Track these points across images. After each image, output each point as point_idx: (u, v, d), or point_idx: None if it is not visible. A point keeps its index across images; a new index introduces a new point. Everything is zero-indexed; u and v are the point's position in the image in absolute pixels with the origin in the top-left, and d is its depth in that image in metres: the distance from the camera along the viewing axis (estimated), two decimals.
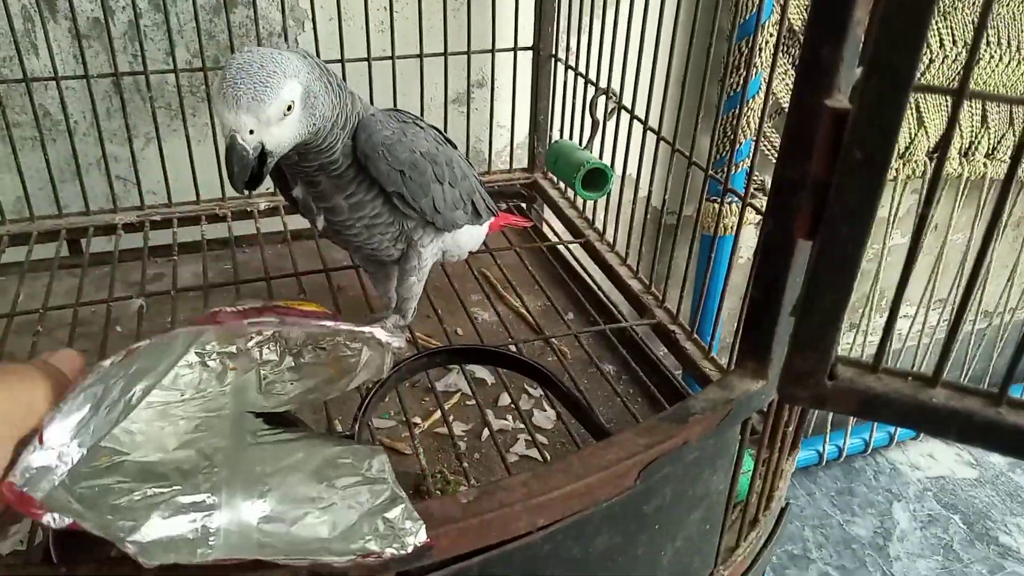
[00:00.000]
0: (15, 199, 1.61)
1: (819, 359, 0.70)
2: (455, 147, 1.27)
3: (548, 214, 1.85)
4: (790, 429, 1.00)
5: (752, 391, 0.78)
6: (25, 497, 0.61)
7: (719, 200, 2.03)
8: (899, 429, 2.80)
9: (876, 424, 2.76)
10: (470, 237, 1.37)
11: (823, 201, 0.66)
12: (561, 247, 1.66)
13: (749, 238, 2.33)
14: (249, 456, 0.82)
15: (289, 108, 0.94)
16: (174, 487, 0.75)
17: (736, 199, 2.09)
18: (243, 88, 0.91)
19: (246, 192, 0.99)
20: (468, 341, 1.39)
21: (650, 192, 1.60)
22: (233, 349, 0.87)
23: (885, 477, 2.76)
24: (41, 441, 0.63)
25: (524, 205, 1.83)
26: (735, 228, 2.08)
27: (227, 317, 0.81)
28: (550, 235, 1.75)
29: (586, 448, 0.71)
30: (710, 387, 0.78)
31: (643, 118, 1.45)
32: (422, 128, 1.17)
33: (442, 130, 1.28)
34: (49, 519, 0.61)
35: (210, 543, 0.70)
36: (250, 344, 0.87)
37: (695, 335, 1.33)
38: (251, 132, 0.93)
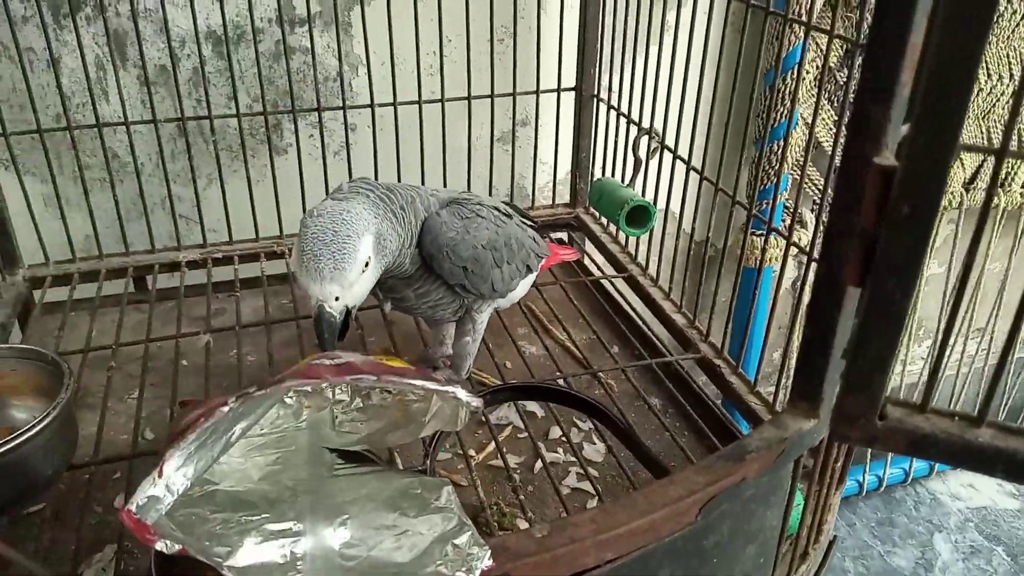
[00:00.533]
0: (84, 238, 1.69)
1: (869, 401, 0.74)
2: (509, 215, 1.31)
3: (590, 248, 1.90)
4: (839, 465, 1.04)
5: (805, 430, 0.82)
6: (141, 524, 0.67)
7: (761, 234, 2.07)
8: None
9: None
10: (522, 288, 1.41)
11: (871, 251, 0.71)
12: (605, 281, 1.71)
13: (788, 270, 2.36)
14: (328, 487, 0.88)
15: (367, 264, 0.99)
16: (263, 515, 0.81)
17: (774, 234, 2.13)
18: (323, 259, 0.95)
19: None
20: (517, 374, 1.44)
21: (693, 228, 1.64)
22: (308, 388, 0.93)
23: (926, 507, 2.75)
24: (160, 474, 0.69)
25: (566, 236, 1.89)
26: (778, 260, 2.12)
27: (328, 371, 0.86)
28: (593, 269, 1.80)
29: (648, 486, 0.75)
30: (764, 426, 0.82)
31: (685, 157, 1.50)
32: (482, 216, 1.20)
33: (503, 204, 1.35)
34: (161, 545, 0.67)
35: (298, 567, 0.76)
36: (324, 384, 0.93)
37: (740, 370, 1.36)
38: (336, 299, 0.98)
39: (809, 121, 2.11)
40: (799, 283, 2.16)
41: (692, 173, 1.48)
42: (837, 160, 2.15)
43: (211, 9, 1.61)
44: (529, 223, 1.41)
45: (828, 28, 1.12)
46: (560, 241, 1.82)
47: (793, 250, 2.20)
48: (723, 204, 1.43)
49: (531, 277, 1.43)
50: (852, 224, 0.76)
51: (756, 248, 2.10)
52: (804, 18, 1.36)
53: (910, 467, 2.77)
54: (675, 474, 0.76)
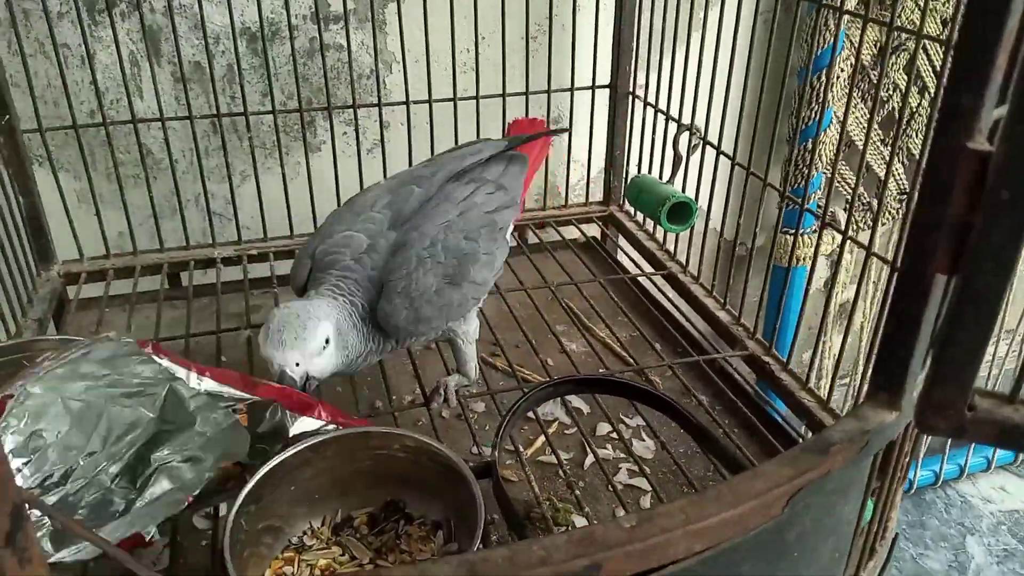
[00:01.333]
0: (117, 234, 1.68)
1: (959, 391, 0.72)
2: (458, 218, 1.24)
3: (625, 245, 1.88)
4: (906, 459, 1.01)
5: (887, 422, 0.80)
6: None
7: (794, 232, 2.05)
8: (969, 462, 2.76)
9: (946, 456, 2.73)
10: (500, 269, 1.35)
11: (962, 239, 0.69)
12: (643, 279, 1.69)
13: (819, 268, 2.34)
14: None
15: (327, 342, 1.07)
16: None
17: (808, 231, 2.11)
18: (286, 333, 1.05)
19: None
20: (561, 372, 1.42)
21: (738, 225, 1.62)
22: None
23: (957, 510, 2.71)
24: None
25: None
26: (809, 260, 2.10)
27: None
28: (630, 267, 1.78)
29: (734, 479, 0.73)
30: (845, 419, 0.80)
31: (730, 154, 1.48)
32: (421, 261, 1.16)
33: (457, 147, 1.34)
34: None
35: None
36: None
37: (790, 366, 1.34)
38: (297, 364, 1.06)
39: (841, 119, 2.09)
40: (830, 283, 2.14)
41: (723, 169, 1.47)
42: (868, 158, 2.14)
43: (246, 5, 1.60)
44: (507, 146, 1.36)
45: (886, 20, 1.10)
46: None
47: (826, 248, 2.20)
48: (759, 199, 1.41)
49: (506, 248, 1.34)
50: (942, 212, 0.74)
51: (790, 247, 2.08)
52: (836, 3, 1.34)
53: (940, 469, 2.73)
54: (760, 467, 0.74)
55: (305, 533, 0.94)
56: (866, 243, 1.18)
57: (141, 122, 1.57)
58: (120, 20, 1.56)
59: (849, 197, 2.19)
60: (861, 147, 2.15)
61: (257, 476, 0.86)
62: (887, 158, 2.10)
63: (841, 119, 2.09)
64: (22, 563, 0.60)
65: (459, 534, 0.93)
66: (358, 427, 0.97)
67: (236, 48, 1.53)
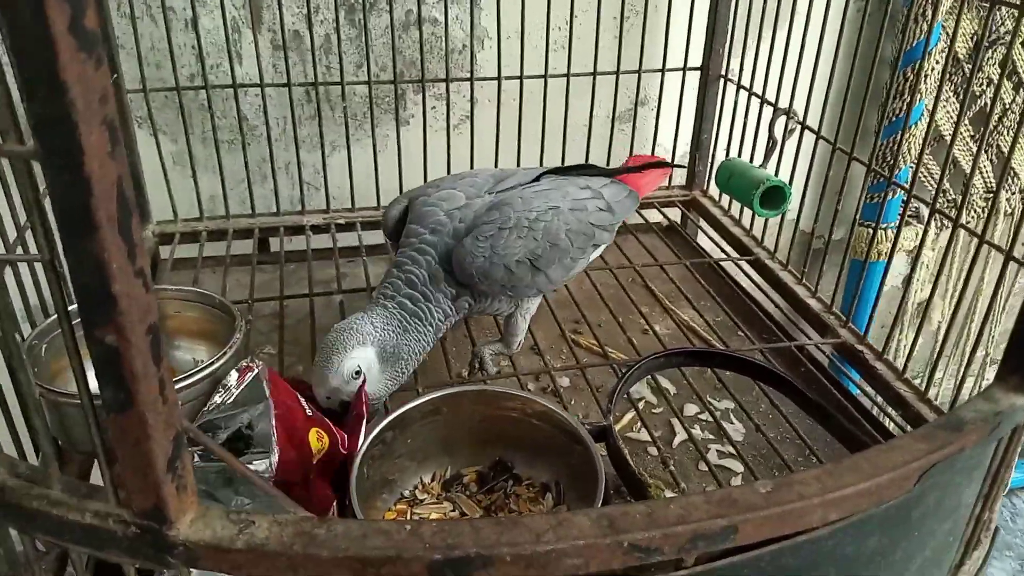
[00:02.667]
0: (209, 197, 1.71)
1: None
2: (556, 207, 1.24)
3: (708, 229, 1.86)
4: (1017, 449, 0.99)
5: (1018, 404, 0.78)
6: None
7: (872, 225, 2.01)
8: None
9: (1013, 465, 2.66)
10: (596, 253, 1.36)
11: None
12: (728, 264, 1.67)
13: (898, 265, 2.30)
14: None
15: (357, 373, 1.05)
16: None
17: (891, 226, 2.07)
18: (321, 364, 1.05)
19: None
20: (646, 351, 1.41)
21: (838, 211, 1.60)
22: None
23: (1022, 519, 2.65)
24: None
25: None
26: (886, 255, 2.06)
27: None
28: (713, 251, 1.76)
29: (870, 451, 0.72)
30: (976, 399, 0.79)
31: (832, 140, 1.46)
32: (510, 227, 1.17)
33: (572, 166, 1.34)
34: None
35: None
36: None
37: (886, 355, 1.32)
38: (327, 398, 1.06)
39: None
40: (918, 279, 2.10)
41: (803, 159, 1.45)
42: (956, 153, 2.09)
43: None
44: (611, 175, 1.37)
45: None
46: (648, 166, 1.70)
47: (908, 244, 2.15)
48: (839, 190, 1.39)
49: (584, 265, 1.35)
50: None
51: (876, 240, 2.04)
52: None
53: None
54: (895, 440, 0.73)
55: (416, 488, 0.95)
56: (979, 232, 1.15)
57: (242, 87, 1.60)
58: None
59: (933, 192, 2.14)
60: (949, 141, 2.11)
61: (385, 421, 0.88)
62: (975, 154, 2.05)
63: (929, 112, 2.05)
64: (179, 490, 0.62)
65: (568, 497, 0.93)
66: (475, 385, 0.98)
67: (338, 18, 1.54)
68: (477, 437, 0.97)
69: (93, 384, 0.57)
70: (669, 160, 1.65)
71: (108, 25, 1.46)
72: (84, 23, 0.45)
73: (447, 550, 0.61)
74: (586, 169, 1.38)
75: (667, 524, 0.64)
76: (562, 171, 1.35)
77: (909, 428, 1.24)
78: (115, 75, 1.50)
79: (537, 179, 1.30)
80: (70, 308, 0.56)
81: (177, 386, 0.90)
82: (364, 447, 0.85)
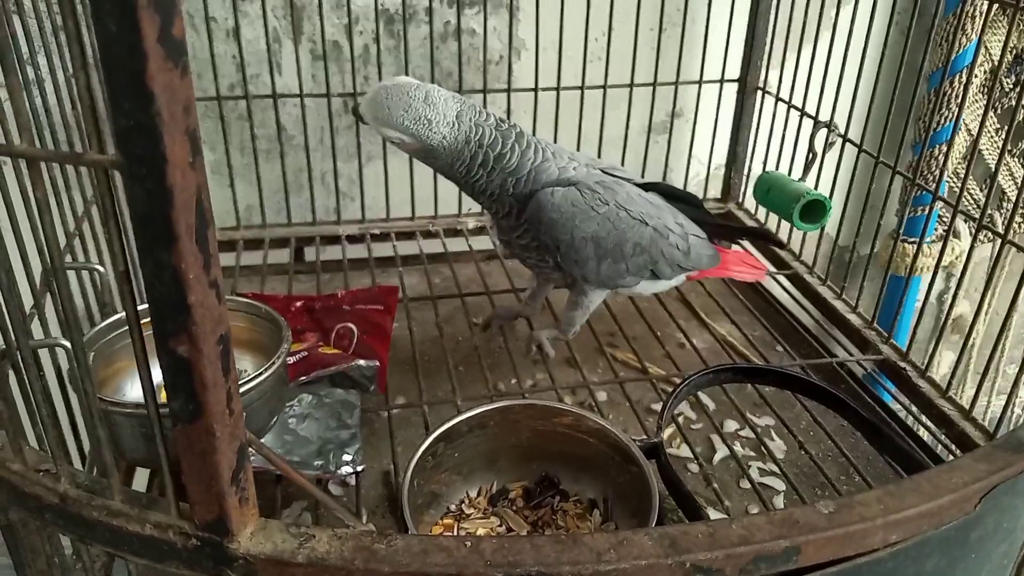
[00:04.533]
0: (245, 207, 1.72)
1: None
2: (645, 221, 1.24)
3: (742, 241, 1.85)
4: None
5: None
6: None
7: (913, 241, 1.99)
8: None
9: None
10: (648, 288, 1.35)
11: None
12: (766, 278, 1.66)
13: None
14: None
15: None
16: None
17: (928, 241, 2.05)
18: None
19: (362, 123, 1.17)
20: (684, 365, 1.40)
21: (878, 226, 1.58)
22: None
23: None
24: None
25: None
26: (929, 270, 2.04)
27: None
28: None
29: (930, 471, 0.71)
30: None
31: (873, 153, 1.45)
32: (599, 209, 1.18)
33: (672, 187, 1.33)
34: None
35: None
36: None
37: (929, 373, 1.30)
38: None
39: (970, 127, 2.03)
40: (949, 295, 2.07)
41: (847, 170, 1.44)
42: (991, 164, 2.06)
43: None
44: (702, 227, 1.35)
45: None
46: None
47: (946, 260, 2.13)
48: (882, 204, 1.38)
49: (668, 282, 1.35)
50: None
51: (908, 256, 2.02)
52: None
53: None
54: (956, 460, 0.72)
55: (463, 502, 0.95)
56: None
57: (281, 97, 1.61)
58: None
59: (971, 208, 2.12)
60: (987, 155, 2.09)
61: (436, 432, 0.88)
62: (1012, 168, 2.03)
63: (968, 126, 2.03)
64: (242, 502, 0.61)
65: (616, 514, 0.92)
66: (523, 400, 0.98)
67: (378, 29, 1.55)
68: (523, 452, 0.97)
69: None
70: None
71: None
72: (173, 32, 0.45)
73: (508, 568, 0.60)
74: (694, 204, 1.36)
75: (730, 544, 0.63)
76: (671, 195, 1.33)
77: (954, 447, 1.22)
78: None
79: (646, 188, 1.30)
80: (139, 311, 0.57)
81: None
82: (415, 459, 0.85)
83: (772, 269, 1.70)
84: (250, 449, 0.63)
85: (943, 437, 1.24)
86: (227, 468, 0.57)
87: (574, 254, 1.19)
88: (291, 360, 1.13)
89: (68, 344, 0.79)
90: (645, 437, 0.96)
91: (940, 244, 2.12)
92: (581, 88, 1.69)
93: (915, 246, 1.93)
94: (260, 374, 0.91)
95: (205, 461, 0.56)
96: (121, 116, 0.46)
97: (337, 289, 1.48)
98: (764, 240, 1.69)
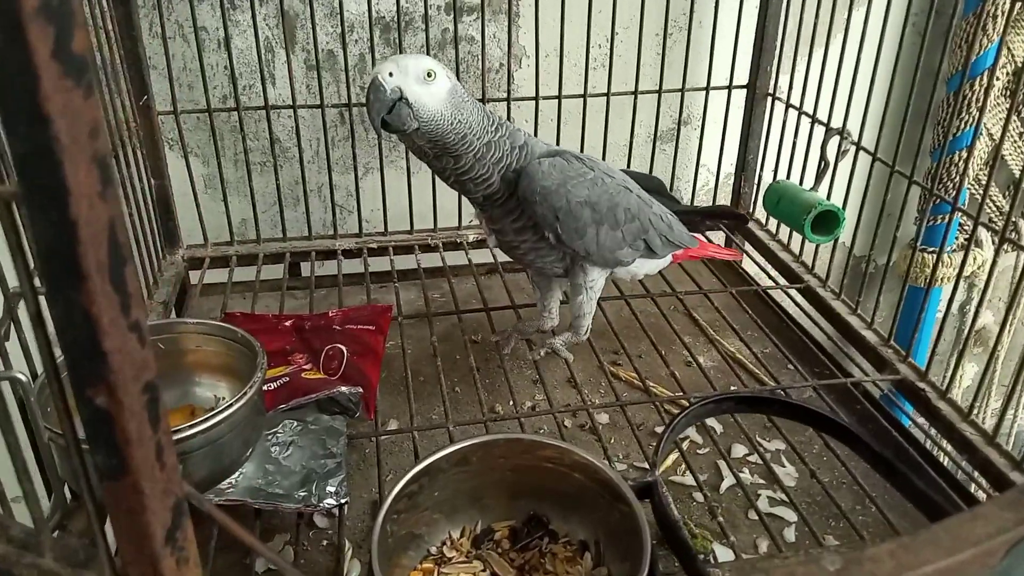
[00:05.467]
0: (240, 221, 1.68)
1: None
2: (630, 189, 1.26)
3: (755, 254, 1.78)
4: None
5: None
6: None
7: (933, 251, 1.92)
8: None
9: None
10: (643, 266, 1.35)
11: None
12: (777, 292, 1.59)
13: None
14: None
15: (429, 75, 1.08)
16: None
17: (947, 251, 1.97)
18: (398, 56, 1.11)
19: (384, 134, 1.13)
20: (690, 386, 1.33)
21: (895, 239, 1.51)
22: None
23: None
24: None
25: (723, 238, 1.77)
26: (950, 280, 1.96)
27: None
28: (761, 278, 1.68)
29: (949, 520, 0.64)
30: None
31: (888, 161, 1.38)
32: (586, 175, 1.19)
33: (637, 172, 1.34)
34: None
35: None
36: None
37: (950, 395, 1.23)
38: (391, 75, 1.07)
39: (991, 132, 1.95)
40: (972, 306, 2.00)
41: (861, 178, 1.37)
42: (1016, 170, 1.98)
43: None
44: (673, 209, 1.36)
45: None
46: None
47: (967, 270, 2.05)
48: (899, 213, 1.31)
49: (659, 261, 1.36)
50: None
51: (927, 266, 1.95)
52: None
53: None
54: (978, 508, 0.65)
55: (444, 544, 0.89)
56: None
57: (273, 109, 1.56)
58: (259, 5, 1.55)
59: (993, 215, 2.03)
60: (1011, 161, 2.01)
61: (410, 474, 0.82)
62: None
63: (989, 131, 1.95)
64: (179, 563, 0.56)
65: (608, 557, 0.86)
66: (508, 434, 0.92)
67: (371, 37, 1.50)
68: (509, 489, 0.91)
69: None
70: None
71: (139, 46, 1.44)
72: (71, 47, 0.40)
73: None
74: (661, 191, 1.39)
75: None
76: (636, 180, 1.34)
77: (977, 474, 1.15)
78: (145, 96, 1.47)
79: None
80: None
81: (197, 428, 0.85)
82: (388, 502, 0.79)
83: (783, 281, 1.63)
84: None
85: (964, 464, 1.17)
86: (160, 527, 0.51)
87: (572, 221, 1.17)
88: (272, 386, 1.08)
89: (23, 377, 0.74)
90: (637, 477, 0.90)
91: (961, 253, 2.06)
92: (584, 96, 1.64)
93: (935, 256, 1.86)
94: (230, 406, 0.86)
95: (134, 520, 0.51)
96: (18, 142, 0.40)
97: (330, 307, 1.43)
98: (727, 217, 1.71)
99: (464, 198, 1.62)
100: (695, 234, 1.40)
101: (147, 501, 0.50)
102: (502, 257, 1.64)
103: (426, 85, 1.09)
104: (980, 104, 1.81)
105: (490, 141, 1.15)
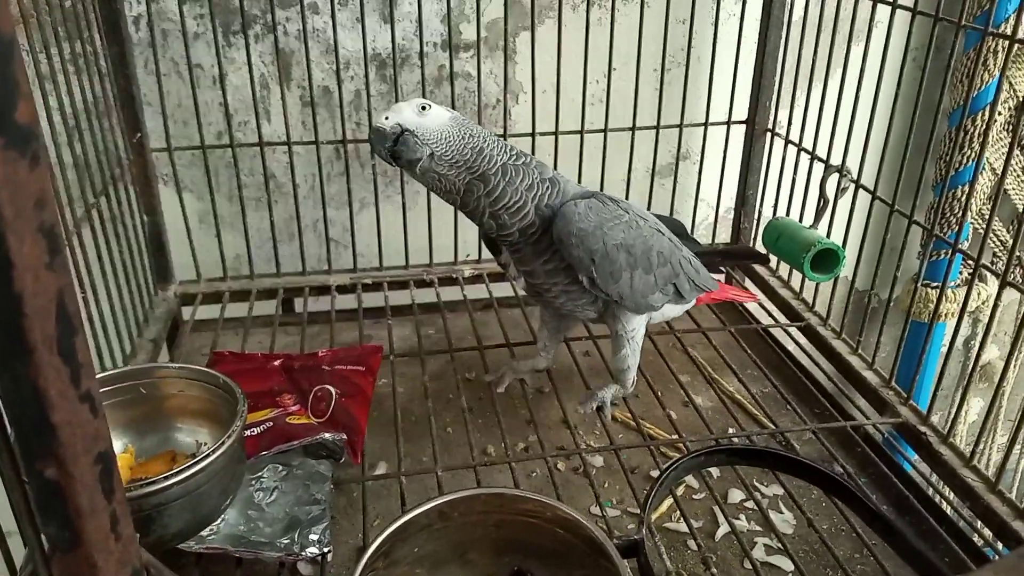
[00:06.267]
0: (234, 256, 1.67)
1: None
2: (662, 231, 1.25)
3: (752, 289, 1.76)
4: None
5: None
6: None
7: (936, 287, 1.89)
8: None
9: None
10: (671, 311, 1.35)
11: None
12: (777, 331, 1.57)
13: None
14: None
15: (424, 108, 1.10)
16: None
17: (950, 287, 1.95)
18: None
19: (392, 164, 1.14)
20: (686, 428, 1.31)
21: (896, 276, 1.49)
22: None
23: None
24: None
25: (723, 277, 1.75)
26: (954, 316, 1.94)
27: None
28: (761, 316, 1.66)
29: None
30: None
31: (887, 199, 1.36)
32: (622, 218, 1.17)
33: (658, 215, 1.32)
34: None
35: None
36: None
37: (951, 439, 1.20)
38: (386, 118, 1.10)
39: (994, 166, 1.93)
40: (977, 341, 1.96)
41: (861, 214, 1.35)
42: (1020, 205, 1.96)
43: (379, 31, 1.58)
44: (694, 251, 1.34)
45: None
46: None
47: (972, 305, 2.02)
48: (900, 248, 1.29)
49: (684, 305, 1.35)
50: None
51: (931, 302, 1.92)
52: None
53: None
54: (974, 574, 0.62)
55: None
56: None
57: (268, 145, 1.56)
58: (254, 42, 1.56)
59: (996, 250, 2.01)
60: (1014, 195, 1.99)
61: (386, 531, 0.80)
62: None
63: (992, 166, 1.93)
64: None
65: None
66: (492, 488, 0.90)
67: (367, 74, 1.50)
68: (494, 544, 0.88)
69: None
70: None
71: (133, 84, 1.44)
72: (15, 117, 0.38)
73: None
74: (680, 232, 1.38)
75: None
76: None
77: (980, 524, 1.12)
78: (139, 134, 1.47)
79: None
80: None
81: (174, 479, 0.83)
82: (364, 560, 0.77)
83: (783, 319, 1.61)
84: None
85: (967, 512, 1.14)
86: None
87: (608, 265, 1.15)
88: (255, 431, 1.06)
89: None
90: (625, 532, 0.87)
91: (965, 288, 2.04)
92: (581, 132, 1.63)
93: (937, 291, 1.83)
94: (208, 455, 0.84)
95: None
96: None
97: (322, 344, 1.42)
98: (747, 259, 1.70)
99: (460, 235, 1.62)
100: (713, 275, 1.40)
101: (101, 574, 0.48)
102: (498, 292, 1.63)
103: (423, 115, 1.11)
104: (981, 140, 1.79)
105: (514, 165, 1.14)
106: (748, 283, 1.77)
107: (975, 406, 2.31)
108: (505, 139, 1.59)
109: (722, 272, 1.67)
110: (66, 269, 0.43)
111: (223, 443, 0.86)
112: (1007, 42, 1.15)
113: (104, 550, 0.48)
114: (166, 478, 0.81)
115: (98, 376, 0.99)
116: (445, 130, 1.11)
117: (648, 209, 1.72)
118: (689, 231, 1.83)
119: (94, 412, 0.46)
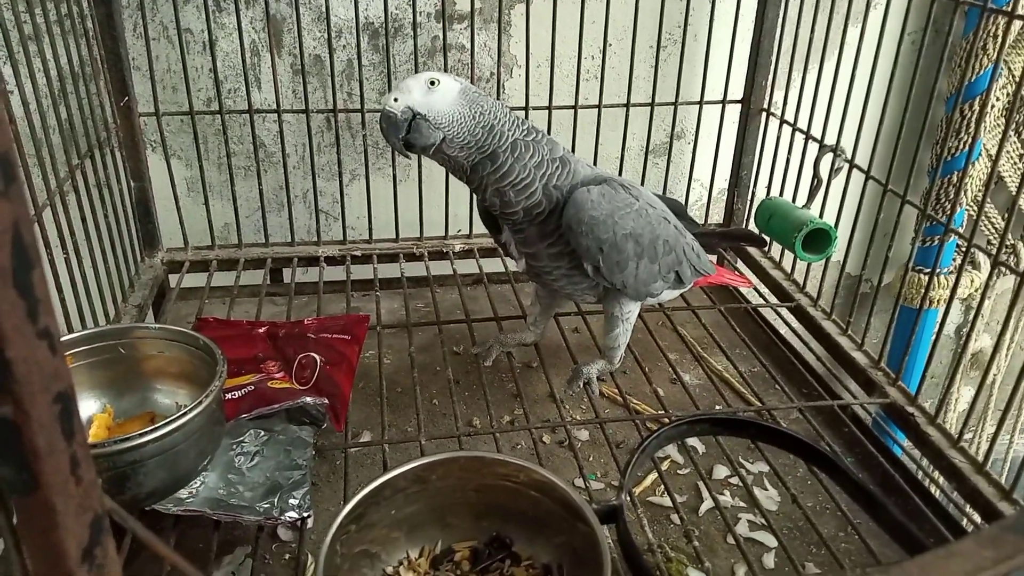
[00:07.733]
0: (223, 225, 1.65)
1: None
2: (668, 220, 1.24)
3: (743, 270, 1.75)
4: None
5: None
6: None
7: (928, 272, 1.88)
8: None
9: None
10: (668, 294, 1.35)
11: None
12: (768, 311, 1.56)
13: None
14: None
15: (432, 83, 1.06)
16: None
17: (943, 272, 1.94)
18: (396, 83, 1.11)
19: (408, 156, 1.12)
20: (674, 405, 1.30)
21: (865, 261, 1.48)
22: None
23: None
24: None
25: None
26: (943, 302, 1.93)
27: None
28: (751, 296, 1.65)
29: (923, 557, 0.61)
30: None
31: (882, 180, 1.35)
32: (634, 206, 1.15)
33: (658, 195, 1.30)
34: None
35: None
36: None
37: (939, 420, 1.20)
38: (396, 100, 1.06)
39: (991, 153, 1.92)
40: (966, 329, 1.96)
41: (854, 196, 1.34)
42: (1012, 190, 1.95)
43: (371, 1, 1.56)
44: (692, 231, 1.33)
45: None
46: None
47: (963, 291, 2.01)
48: (891, 232, 1.28)
49: (681, 289, 1.34)
50: None
51: (921, 286, 1.91)
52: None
53: None
54: (955, 545, 0.61)
55: (401, 564, 0.85)
56: None
57: (257, 113, 1.54)
58: (244, 7, 1.53)
59: (991, 237, 2.00)
60: (1010, 182, 1.97)
61: (361, 494, 0.79)
62: None
63: (989, 152, 1.92)
64: None
65: None
66: (472, 452, 0.89)
67: (359, 43, 1.48)
68: (473, 509, 0.87)
69: None
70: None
71: (121, 46, 1.41)
72: None
73: None
74: (679, 212, 1.36)
75: None
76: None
77: (968, 507, 1.11)
78: (126, 97, 1.45)
79: None
80: None
81: (149, 436, 0.82)
82: (339, 520, 0.76)
83: (773, 299, 1.60)
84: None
85: (955, 494, 1.13)
86: (75, 545, 0.48)
87: (616, 255, 1.14)
88: (236, 395, 1.05)
89: None
90: (609, 498, 0.86)
91: (956, 274, 2.03)
92: (575, 107, 1.61)
93: (928, 276, 1.83)
94: (185, 414, 0.83)
95: (48, 538, 0.48)
96: None
97: (308, 315, 1.40)
98: (744, 242, 1.68)
99: (451, 210, 1.60)
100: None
101: (60, 518, 0.47)
102: (488, 267, 1.61)
103: (432, 93, 1.07)
104: (976, 124, 1.78)
105: (524, 141, 1.11)
106: (740, 264, 1.76)
107: (966, 395, 2.31)
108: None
109: (715, 253, 1.66)
110: (23, 199, 0.42)
111: (200, 402, 0.85)
112: (1006, 25, 1.14)
113: (63, 493, 0.47)
114: (141, 435, 0.80)
115: (76, 335, 0.98)
116: (456, 110, 1.07)
117: (642, 185, 1.72)
118: (684, 207, 1.83)
119: (53, 350, 0.44)
